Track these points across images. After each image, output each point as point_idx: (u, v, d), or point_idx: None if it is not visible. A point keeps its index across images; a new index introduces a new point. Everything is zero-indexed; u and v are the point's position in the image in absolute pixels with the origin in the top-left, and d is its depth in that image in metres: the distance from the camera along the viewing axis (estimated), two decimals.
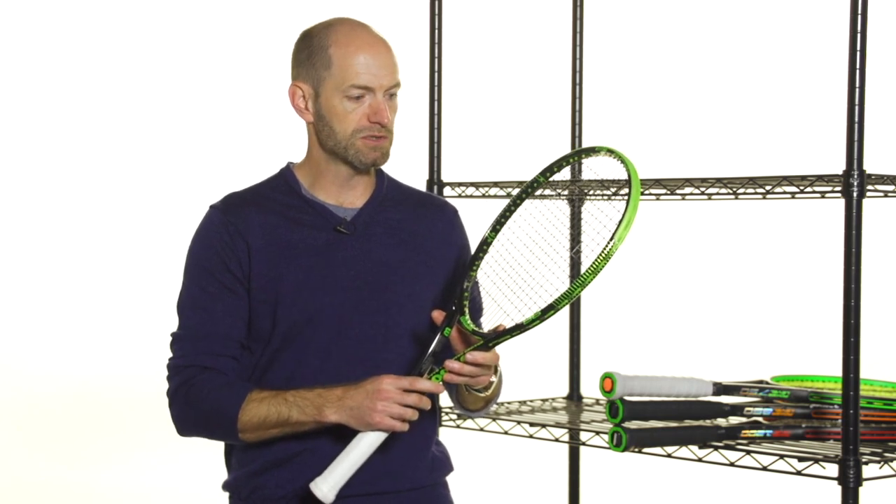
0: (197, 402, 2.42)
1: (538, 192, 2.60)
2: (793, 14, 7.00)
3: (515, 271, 2.44)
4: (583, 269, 2.27)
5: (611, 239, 2.25)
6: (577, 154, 2.43)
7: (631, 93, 7.08)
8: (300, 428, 2.39)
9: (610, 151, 2.36)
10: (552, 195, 3.15)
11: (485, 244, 2.46)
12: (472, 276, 2.45)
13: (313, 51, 2.47)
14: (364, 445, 2.33)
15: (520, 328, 2.32)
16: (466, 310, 2.40)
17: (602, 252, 2.25)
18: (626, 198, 2.28)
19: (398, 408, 2.30)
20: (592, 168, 2.44)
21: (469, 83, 6.72)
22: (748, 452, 2.71)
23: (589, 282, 2.26)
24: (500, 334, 2.34)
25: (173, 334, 2.50)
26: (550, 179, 2.49)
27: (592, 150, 2.40)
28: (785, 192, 2.77)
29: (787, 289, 7.14)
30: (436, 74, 3.43)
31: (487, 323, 2.44)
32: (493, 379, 2.47)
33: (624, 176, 2.32)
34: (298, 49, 2.50)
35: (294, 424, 2.38)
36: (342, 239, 2.48)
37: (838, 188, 2.61)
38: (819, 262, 6.65)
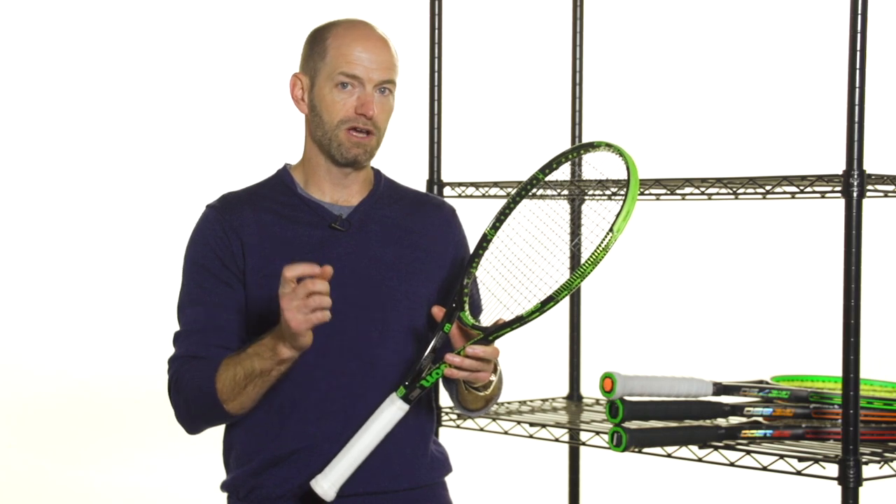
0: (184, 388, 2.42)
1: (539, 193, 2.60)
2: (793, 14, 7.00)
3: (515, 267, 2.44)
4: (582, 261, 2.27)
5: (609, 230, 2.25)
6: (576, 150, 2.44)
7: (631, 92, 7.09)
8: (268, 376, 2.35)
9: (608, 146, 2.37)
10: (553, 195, 3.15)
11: (484, 241, 2.47)
12: (472, 273, 2.45)
13: (314, 44, 2.50)
14: (364, 442, 2.33)
15: (520, 320, 2.32)
16: (466, 306, 2.40)
17: (601, 243, 2.25)
18: (624, 191, 2.29)
19: (301, 303, 2.23)
20: (593, 164, 2.44)
21: (469, 83, 6.72)
22: (748, 452, 2.71)
23: (588, 273, 2.26)
24: (500, 327, 2.33)
25: (175, 333, 2.50)
26: (550, 179, 2.49)
27: (591, 146, 2.40)
28: (785, 192, 2.77)
29: (787, 289, 7.14)
30: (436, 74, 3.43)
31: (487, 317, 2.44)
32: (493, 378, 2.47)
33: (624, 173, 2.32)
34: (304, 45, 2.54)
35: (261, 374, 2.34)
36: (337, 236, 2.49)
37: (838, 188, 2.61)
38: (819, 262, 6.66)
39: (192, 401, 2.42)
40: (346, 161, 2.47)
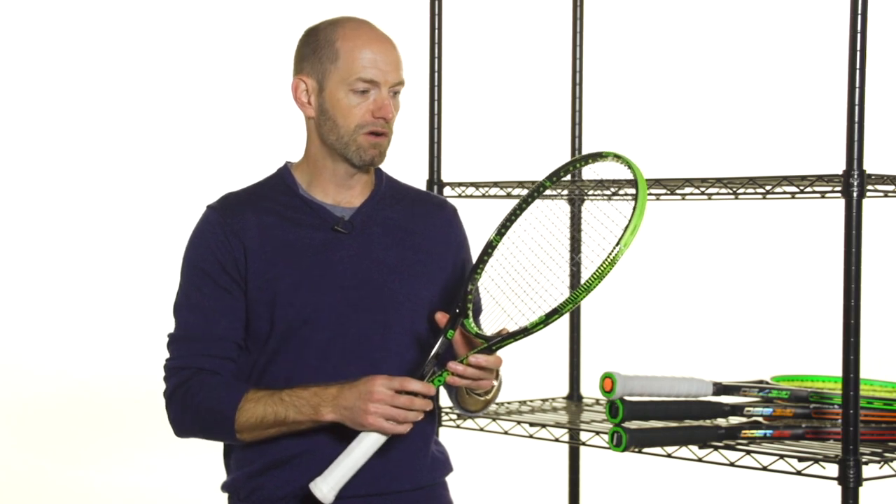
0: (193, 403, 2.42)
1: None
2: (793, 14, 7.00)
3: (519, 274, 2.43)
4: (588, 274, 2.26)
5: (617, 244, 2.24)
6: (584, 159, 2.42)
7: (631, 93, 7.08)
8: (297, 427, 2.39)
9: (617, 157, 2.35)
10: (552, 195, 3.15)
11: (489, 248, 2.45)
12: (477, 279, 2.44)
13: (319, 45, 2.47)
14: (365, 446, 2.33)
15: (524, 332, 2.31)
16: (470, 312, 2.40)
17: (608, 257, 2.24)
18: (632, 201, 2.28)
19: (390, 409, 2.30)
20: (596, 171, 2.44)
21: (469, 83, 6.72)
22: (748, 452, 2.71)
23: (594, 287, 2.25)
24: (504, 337, 2.33)
25: (170, 335, 2.50)
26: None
27: (600, 156, 2.39)
28: (785, 192, 2.77)
29: (787, 289, 7.14)
30: (436, 74, 3.43)
31: (490, 325, 2.43)
32: (495, 383, 2.46)
33: (625, 176, 2.31)
34: (303, 44, 2.50)
35: (291, 424, 2.38)
36: (340, 238, 2.48)
37: (838, 188, 2.61)
38: (819, 262, 6.66)
39: (203, 419, 2.42)
40: (364, 163, 2.47)
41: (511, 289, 2.43)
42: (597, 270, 2.24)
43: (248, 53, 7.74)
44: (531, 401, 3.47)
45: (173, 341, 2.49)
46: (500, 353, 2.37)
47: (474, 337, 2.37)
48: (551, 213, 2.51)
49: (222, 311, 2.45)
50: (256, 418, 2.38)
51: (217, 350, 2.45)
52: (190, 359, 2.45)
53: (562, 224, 2.52)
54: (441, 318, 2.40)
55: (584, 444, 3.03)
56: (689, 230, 6.89)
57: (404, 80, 2.48)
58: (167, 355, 2.50)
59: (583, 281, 2.26)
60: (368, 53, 2.44)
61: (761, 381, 3.03)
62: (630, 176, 2.32)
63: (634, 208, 2.26)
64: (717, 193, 2.90)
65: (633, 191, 2.30)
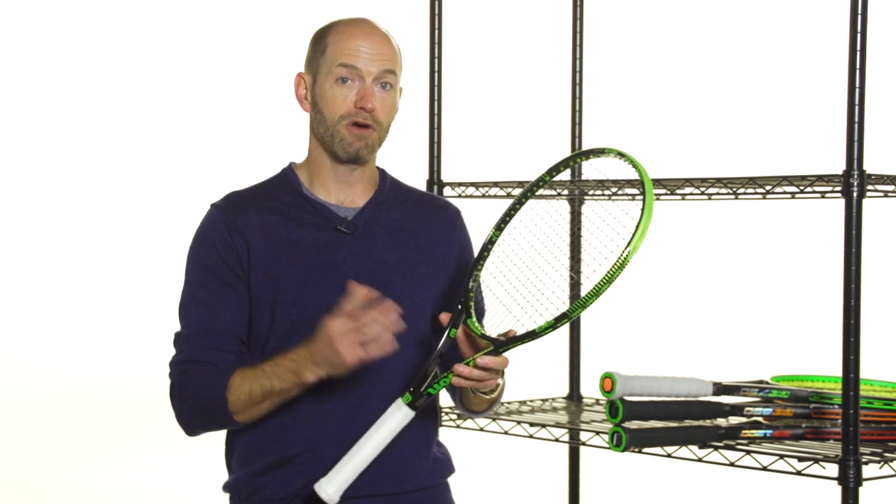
0: (188, 394, 2.42)
1: (538, 193, 2.59)
2: (793, 14, 7.00)
3: (522, 272, 2.43)
4: (598, 279, 2.24)
5: (626, 247, 2.23)
6: (585, 154, 2.41)
7: (631, 93, 7.09)
8: (288, 395, 2.37)
9: (621, 154, 2.33)
10: (552, 195, 3.15)
11: (489, 244, 2.45)
12: (477, 277, 2.44)
13: (317, 42, 2.50)
14: (369, 447, 2.32)
15: (532, 335, 2.30)
16: (472, 311, 2.39)
17: (617, 260, 2.23)
18: (635, 201, 2.27)
19: (358, 335, 2.25)
20: (596, 167, 2.43)
21: (469, 83, 6.72)
22: (748, 452, 2.71)
23: (604, 290, 2.24)
24: (512, 340, 2.32)
25: (175, 334, 2.50)
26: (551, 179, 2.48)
27: (602, 152, 2.37)
28: (785, 192, 2.77)
29: (787, 289, 7.15)
30: (436, 74, 3.43)
31: (494, 325, 2.42)
32: (501, 381, 2.46)
33: (627, 175, 2.30)
34: (308, 46, 2.53)
35: (280, 393, 2.36)
36: (343, 238, 2.48)
37: (838, 188, 2.61)
38: (819, 262, 6.66)
39: (200, 408, 2.42)
40: (348, 156, 2.46)
41: (515, 287, 2.42)
42: (606, 274, 2.23)
43: (254, 53, 7.74)
44: (531, 401, 3.47)
45: (178, 339, 2.49)
46: (503, 353, 2.36)
47: (479, 338, 2.37)
48: (556, 212, 2.51)
49: (226, 307, 2.45)
50: (245, 395, 2.37)
51: (218, 343, 2.44)
52: (190, 353, 2.45)
53: (563, 221, 2.51)
54: (444, 317, 2.39)
55: (584, 444, 3.03)
56: (689, 230, 6.89)
57: (395, 72, 2.46)
58: (173, 353, 2.50)
59: (592, 285, 2.25)
60: (353, 43, 2.44)
61: (761, 381, 3.03)
62: (633, 174, 2.31)
63: (643, 210, 2.24)
64: (717, 193, 2.90)
65: (634, 190, 2.30)
